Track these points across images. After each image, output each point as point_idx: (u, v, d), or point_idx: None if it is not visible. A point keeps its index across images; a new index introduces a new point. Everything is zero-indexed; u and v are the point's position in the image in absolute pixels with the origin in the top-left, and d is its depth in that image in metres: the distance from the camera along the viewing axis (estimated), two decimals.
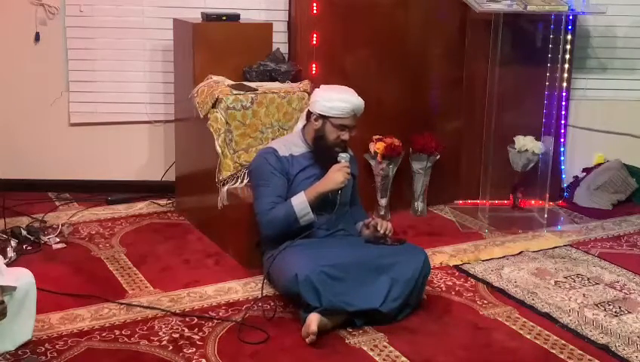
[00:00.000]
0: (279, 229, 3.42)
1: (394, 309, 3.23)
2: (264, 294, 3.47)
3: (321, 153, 3.51)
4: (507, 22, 4.42)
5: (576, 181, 5.03)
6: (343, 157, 3.45)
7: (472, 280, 3.76)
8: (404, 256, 3.34)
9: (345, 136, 3.46)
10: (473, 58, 4.73)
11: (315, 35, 4.39)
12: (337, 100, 3.44)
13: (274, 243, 3.47)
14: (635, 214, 4.81)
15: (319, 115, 3.47)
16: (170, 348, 3.03)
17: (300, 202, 3.38)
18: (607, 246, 4.28)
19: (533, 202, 4.82)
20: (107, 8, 4.70)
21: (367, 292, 3.20)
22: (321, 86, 3.61)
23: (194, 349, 3.02)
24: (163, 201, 4.77)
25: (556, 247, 4.21)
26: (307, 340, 3.07)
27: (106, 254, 3.96)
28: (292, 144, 3.58)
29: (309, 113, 3.55)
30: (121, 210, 4.65)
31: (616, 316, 3.40)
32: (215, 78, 4.13)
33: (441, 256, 4.04)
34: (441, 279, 3.76)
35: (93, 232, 4.27)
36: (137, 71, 4.80)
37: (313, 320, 3.06)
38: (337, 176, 3.39)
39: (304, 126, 3.61)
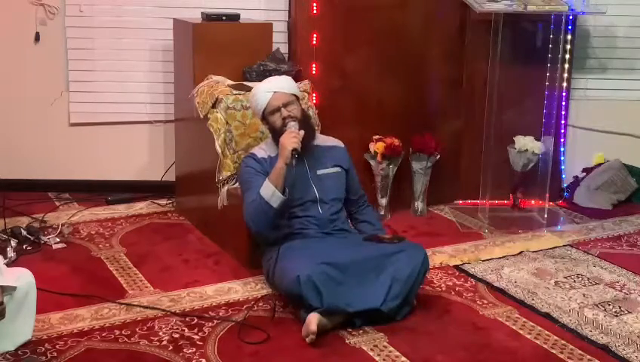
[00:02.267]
0: (262, 220, 3.40)
1: (394, 308, 3.24)
2: (264, 294, 3.48)
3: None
4: (507, 22, 4.42)
5: (576, 181, 5.03)
6: (291, 124, 3.46)
7: (472, 280, 3.76)
8: (403, 253, 3.34)
9: (284, 112, 3.49)
10: (473, 58, 4.72)
11: (315, 35, 4.39)
12: (255, 98, 3.58)
13: (272, 243, 3.48)
14: (635, 214, 4.81)
15: (260, 119, 3.63)
16: (170, 348, 3.03)
17: (264, 187, 3.39)
18: (607, 246, 4.28)
19: (533, 202, 4.82)
20: (107, 8, 4.70)
21: (368, 292, 3.20)
22: None
23: (194, 349, 3.02)
24: (163, 201, 4.77)
25: (556, 247, 4.21)
26: (307, 340, 3.07)
27: (106, 254, 3.96)
28: (269, 147, 3.62)
29: None
30: (121, 210, 4.65)
31: (616, 316, 3.40)
32: (215, 78, 4.13)
33: (441, 256, 4.04)
34: (441, 279, 3.76)
35: (93, 232, 4.27)
36: (137, 71, 4.80)
37: (313, 320, 3.06)
38: (284, 142, 3.38)
39: None
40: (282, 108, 3.50)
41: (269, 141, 3.66)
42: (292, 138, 3.38)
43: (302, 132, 3.44)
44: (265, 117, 3.58)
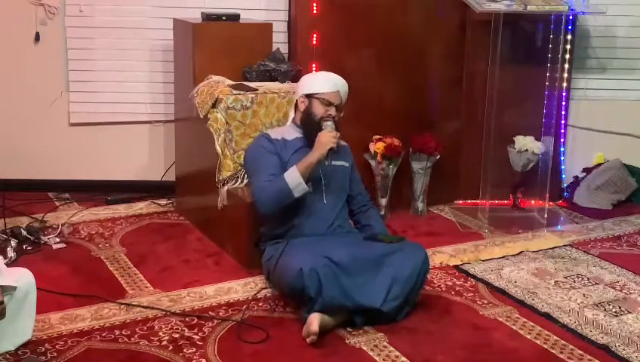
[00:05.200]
0: (275, 204, 3.41)
1: (394, 308, 3.23)
2: (264, 294, 3.48)
3: (310, 129, 3.52)
4: (507, 22, 4.42)
5: (576, 181, 5.03)
6: (328, 124, 3.47)
7: (472, 280, 3.76)
8: (403, 253, 3.34)
9: (332, 111, 3.52)
10: (473, 58, 4.73)
11: (315, 35, 4.39)
12: (320, 78, 3.61)
13: (274, 240, 3.49)
14: (635, 214, 4.81)
15: (305, 95, 3.58)
16: (170, 348, 3.03)
17: (291, 173, 3.39)
18: (607, 246, 4.28)
19: (533, 202, 4.82)
20: (107, 8, 4.70)
21: (368, 291, 3.20)
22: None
23: (194, 349, 3.02)
24: (163, 201, 4.77)
25: (556, 247, 4.21)
26: (308, 340, 3.06)
27: (106, 254, 3.96)
28: (284, 131, 3.66)
29: (296, 101, 3.66)
30: (121, 210, 4.65)
31: (616, 316, 3.40)
32: (215, 78, 4.13)
33: (441, 256, 4.04)
34: (441, 279, 3.76)
35: (93, 232, 4.27)
36: (137, 71, 4.80)
37: (314, 320, 3.06)
38: (322, 139, 3.41)
39: (294, 116, 3.69)
40: (334, 107, 3.53)
41: (288, 125, 3.70)
42: (331, 137, 3.42)
43: (338, 134, 3.49)
44: (310, 97, 3.56)
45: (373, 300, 3.19)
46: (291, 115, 3.76)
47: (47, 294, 3.33)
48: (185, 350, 3.01)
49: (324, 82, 3.58)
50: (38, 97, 4.77)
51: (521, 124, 4.74)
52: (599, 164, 5.06)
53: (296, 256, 3.23)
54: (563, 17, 4.57)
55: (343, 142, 3.75)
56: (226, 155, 3.96)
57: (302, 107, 3.61)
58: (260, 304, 3.42)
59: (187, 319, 3.27)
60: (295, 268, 3.15)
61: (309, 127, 3.55)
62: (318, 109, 3.54)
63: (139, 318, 3.27)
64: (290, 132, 3.65)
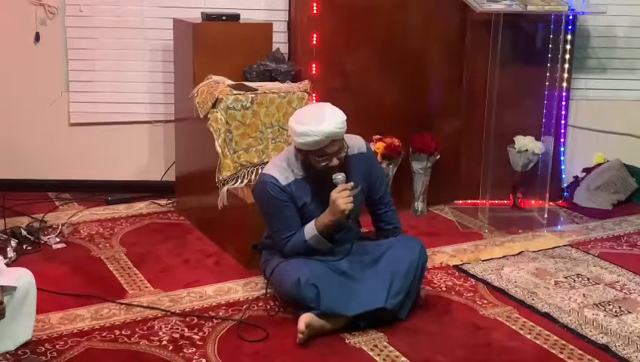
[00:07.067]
0: (302, 255, 3.28)
1: (397, 304, 3.23)
2: (264, 294, 3.49)
3: (314, 176, 3.28)
4: (507, 22, 4.42)
5: (576, 181, 5.03)
6: (339, 179, 3.19)
7: (472, 280, 3.76)
8: (398, 246, 3.34)
9: (333, 162, 3.19)
10: (473, 58, 4.72)
11: (315, 35, 4.39)
12: (305, 135, 3.13)
13: (272, 248, 3.46)
14: (635, 214, 4.81)
15: (298, 148, 3.24)
16: (170, 348, 3.03)
17: (312, 236, 3.26)
18: (607, 246, 4.28)
19: (533, 202, 4.82)
20: (107, 8, 4.70)
21: (369, 291, 3.20)
22: (295, 113, 3.36)
23: (194, 349, 3.02)
24: (163, 201, 4.77)
25: (556, 247, 4.21)
26: (297, 340, 3.06)
27: (106, 254, 3.96)
28: (293, 166, 3.31)
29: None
30: (121, 210, 4.65)
31: (616, 316, 3.40)
32: (215, 78, 4.13)
33: (441, 256, 4.04)
34: (441, 279, 3.76)
35: (93, 232, 4.27)
36: (137, 71, 4.80)
37: (301, 319, 3.07)
38: (339, 204, 3.16)
39: (295, 150, 3.31)
40: (334, 158, 3.19)
41: (292, 158, 3.32)
42: (346, 199, 3.17)
43: (351, 183, 3.22)
44: (303, 151, 3.23)
45: (377, 300, 3.18)
46: (290, 143, 3.35)
47: (47, 294, 3.33)
48: (185, 350, 3.01)
49: (312, 139, 3.12)
50: (38, 97, 4.77)
51: (521, 124, 4.73)
52: (599, 164, 5.06)
53: (293, 264, 3.21)
54: (563, 17, 4.57)
55: (360, 147, 3.43)
56: (226, 155, 3.96)
57: (299, 156, 3.28)
58: (260, 304, 3.42)
59: (187, 319, 3.27)
60: (292, 278, 3.14)
61: (313, 174, 3.27)
62: (317, 164, 3.20)
63: (139, 318, 3.27)
64: (294, 166, 3.30)
